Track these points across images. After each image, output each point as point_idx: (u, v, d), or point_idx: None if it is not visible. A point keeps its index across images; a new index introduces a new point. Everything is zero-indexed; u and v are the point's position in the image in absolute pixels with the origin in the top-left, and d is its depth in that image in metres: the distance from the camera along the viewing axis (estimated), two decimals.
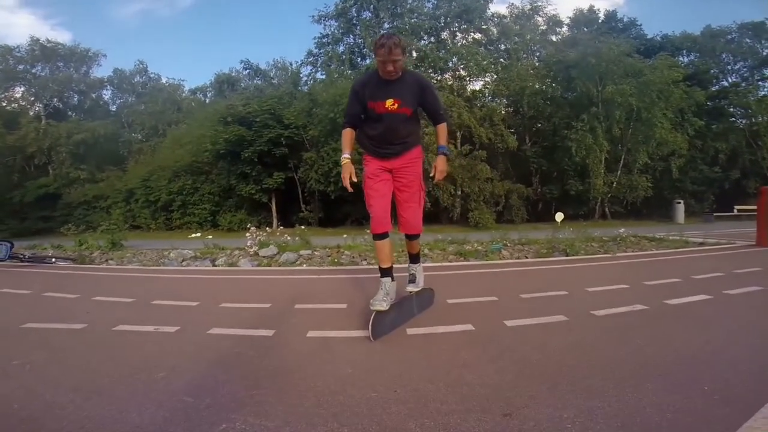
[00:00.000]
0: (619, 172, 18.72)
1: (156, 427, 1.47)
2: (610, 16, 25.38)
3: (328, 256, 6.32)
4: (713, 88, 21.69)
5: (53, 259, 6.75)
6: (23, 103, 28.55)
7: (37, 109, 28.33)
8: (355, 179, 2.51)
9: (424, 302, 2.95)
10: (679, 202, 17.83)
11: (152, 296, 3.73)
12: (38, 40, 27.23)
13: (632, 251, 6.43)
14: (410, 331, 2.51)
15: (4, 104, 27.74)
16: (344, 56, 21.04)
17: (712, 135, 20.18)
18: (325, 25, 21.35)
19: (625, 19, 25.31)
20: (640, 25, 24.95)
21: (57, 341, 2.53)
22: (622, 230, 8.04)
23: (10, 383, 1.90)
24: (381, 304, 2.37)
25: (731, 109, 21.30)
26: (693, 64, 22.15)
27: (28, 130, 24.35)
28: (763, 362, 1.96)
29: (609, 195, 18.78)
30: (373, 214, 2.52)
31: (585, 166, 18.04)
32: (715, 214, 17.54)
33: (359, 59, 21.49)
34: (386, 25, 20.39)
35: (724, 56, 23.33)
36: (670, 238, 7.78)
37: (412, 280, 2.80)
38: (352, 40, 21.73)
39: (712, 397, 1.59)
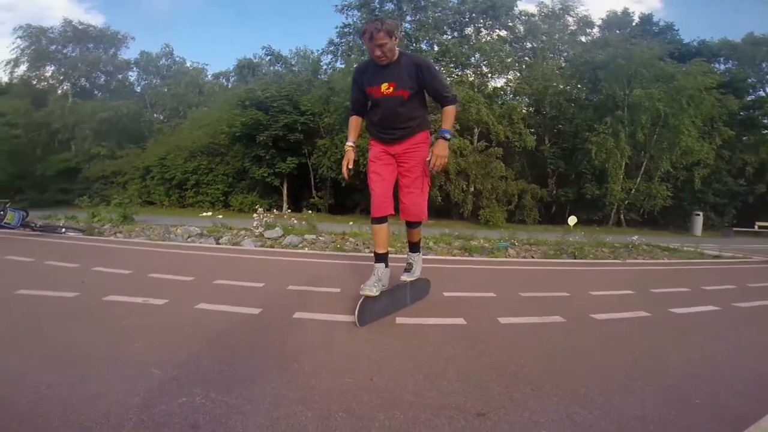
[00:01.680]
0: (639, 179, 18.17)
1: (114, 396, 1.43)
2: (645, 19, 24.24)
3: (332, 241, 6.29)
4: (749, 98, 20.67)
5: (63, 230, 6.85)
6: (53, 82, 29.33)
7: (65, 87, 29.09)
8: (351, 166, 2.51)
9: (418, 293, 2.87)
10: (698, 214, 17.27)
11: (150, 269, 3.74)
12: (71, 22, 28.00)
13: (643, 259, 6.23)
14: (399, 320, 2.44)
15: (35, 82, 28.59)
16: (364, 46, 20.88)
17: (741, 146, 19.34)
18: (347, 14, 21.06)
19: (661, 23, 24.16)
20: (677, 29, 23.77)
21: (44, 309, 2.52)
22: (635, 238, 7.81)
23: None
24: (371, 289, 2.31)
25: (765, 121, 20.32)
26: (729, 72, 21.02)
27: (55, 107, 25.02)
28: (761, 379, 1.85)
29: (626, 202, 18.28)
30: (373, 198, 2.48)
31: (604, 171, 17.54)
32: (734, 228, 16.94)
33: None
34: (408, 18, 20.09)
35: (764, 66, 21.97)
36: (685, 248, 7.53)
37: (408, 269, 2.72)
38: None
39: (702, 412, 1.50)
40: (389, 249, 2.66)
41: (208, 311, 2.50)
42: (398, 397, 1.50)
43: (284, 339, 2.08)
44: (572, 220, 9.59)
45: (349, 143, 2.58)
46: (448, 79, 17.87)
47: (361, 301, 2.31)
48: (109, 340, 2.00)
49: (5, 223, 6.11)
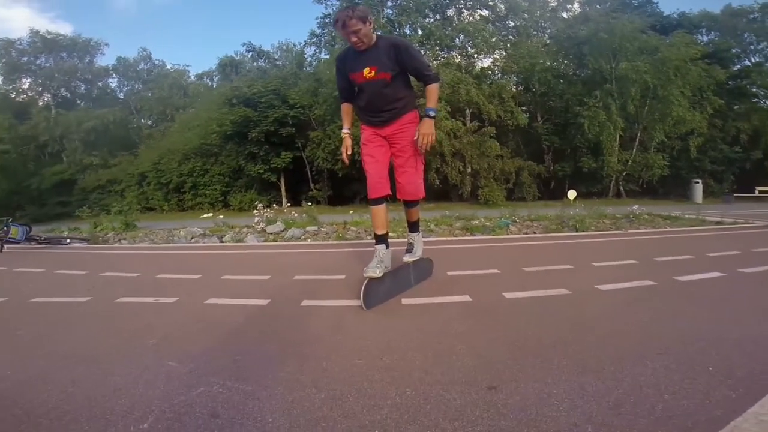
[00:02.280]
0: (634, 150, 18.16)
1: (136, 390, 1.47)
2: None
3: (334, 231, 6.32)
4: (735, 68, 20.67)
5: (68, 240, 6.89)
6: (31, 94, 29.08)
7: (45, 99, 28.84)
8: (350, 152, 2.59)
9: (422, 273, 2.90)
10: (697, 182, 17.26)
11: (157, 271, 3.78)
12: (38, 32, 27.51)
13: (645, 228, 6.25)
14: (405, 300, 2.47)
15: (13, 96, 28.27)
16: None
17: (733, 115, 19.41)
18: (326, 4, 20.65)
19: None
20: (656, 2, 23.50)
21: (60, 313, 2.57)
22: (635, 207, 7.82)
23: (8, 352, 1.94)
24: (374, 270, 2.35)
25: (754, 90, 20.39)
26: (713, 43, 21.06)
27: (39, 120, 24.82)
28: None
29: (624, 173, 18.30)
30: (368, 179, 2.52)
31: (598, 143, 17.57)
32: (735, 194, 16.93)
33: None
34: (390, 3, 19.82)
35: (746, 36, 21.96)
36: (686, 216, 7.54)
37: (410, 249, 2.75)
38: None
39: (716, 379, 1.45)
40: (389, 232, 2.69)
41: (218, 305, 2.54)
42: (408, 375, 1.53)
43: (294, 327, 2.12)
44: (572, 194, 9.60)
45: (345, 130, 2.67)
46: (434, 62, 17.73)
47: (365, 284, 2.34)
48: (126, 338, 2.04)
49: (10, 238, 6.13)
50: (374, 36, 2.39)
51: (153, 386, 1.49)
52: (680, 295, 2.57)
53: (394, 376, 1.52)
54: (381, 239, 2.55)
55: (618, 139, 17.65)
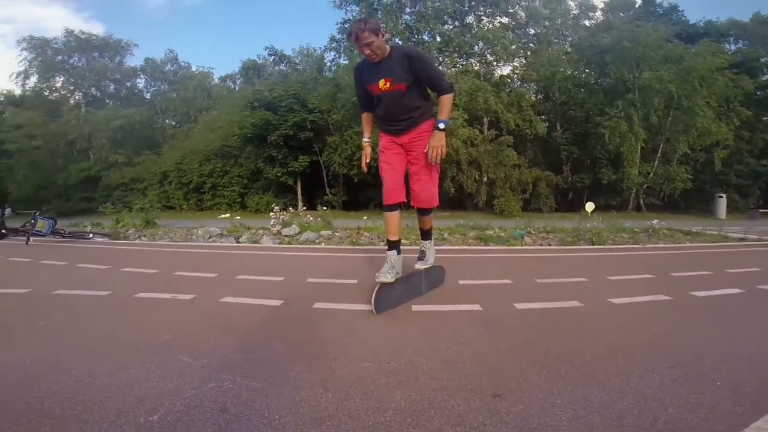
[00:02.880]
0: (656, 162, 17.74)
1: (149, 383, 1.53)
2: (649, 0, 23.57)
3: (348, 236, 6.37)
4: (764, 78, 20.10)
5: (91, 235, 7.13)
6: (64, 92, 30.36)
7: (77, 97, 30.04)
8: (368, 160, 2.69)
9: (434, 280, 2.91)
10: (721, 196, 16.76)
11: (176, 268, 3.88)
12: (72, 31, 28.75)
13: (664, 243, 6.12)
14: (415, 307, 2.49)
15: (47, 93, 29.56)
16: None
17: (761, 126, 18.85)
18: (346, 10, 20.80)
19: (665, 4, 23.35)
20: (682, 10, 23.13)
21: (80, 306, 2.67)
22: (655, 222, 7.65)
23: (28, 343, 2.01)
24: (386, 276, 2.37)
25: None
26: (741, 52, 20.50)
27: (70, 118, 25.82)
28: None
29: (644, 186, 17.88)
30: (384, 186, 2.56)
31: (619, 155, 17.20)
32: (760, 210, 16.38)
33: None
34: (408, 9, 19.87)
35: None
36: (708, 232, 7.33)
37: (422, 257, 2.77)
38: None
39: (723, 394, 1.44)
40: (402, 238, 2.71)
41: (232, 304, 2.61)
42: (415, 380, 1.54)
43: (305, 328, 2.16)
44: (590, 206, 9.43)
45: (365, 139, 2.77)
46: (453, 69, 17.73)
47: (377, 289, 2.37)
48: (142, 333, 2.10)
49: (36, 230, 6.40)
50: (388, 47, 2.42)
51: (165, 380, 1.55)
52: (696, 310, 2.53)
53: (401, 380, 1.54)
54: (393, 245, 2.58)
55: (639, 150, 17.28)
